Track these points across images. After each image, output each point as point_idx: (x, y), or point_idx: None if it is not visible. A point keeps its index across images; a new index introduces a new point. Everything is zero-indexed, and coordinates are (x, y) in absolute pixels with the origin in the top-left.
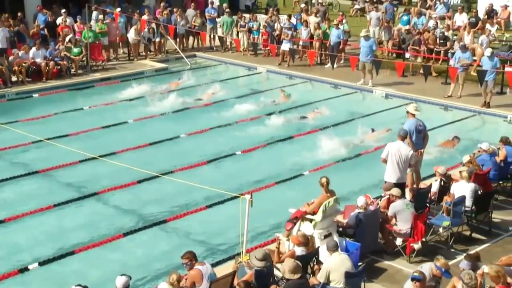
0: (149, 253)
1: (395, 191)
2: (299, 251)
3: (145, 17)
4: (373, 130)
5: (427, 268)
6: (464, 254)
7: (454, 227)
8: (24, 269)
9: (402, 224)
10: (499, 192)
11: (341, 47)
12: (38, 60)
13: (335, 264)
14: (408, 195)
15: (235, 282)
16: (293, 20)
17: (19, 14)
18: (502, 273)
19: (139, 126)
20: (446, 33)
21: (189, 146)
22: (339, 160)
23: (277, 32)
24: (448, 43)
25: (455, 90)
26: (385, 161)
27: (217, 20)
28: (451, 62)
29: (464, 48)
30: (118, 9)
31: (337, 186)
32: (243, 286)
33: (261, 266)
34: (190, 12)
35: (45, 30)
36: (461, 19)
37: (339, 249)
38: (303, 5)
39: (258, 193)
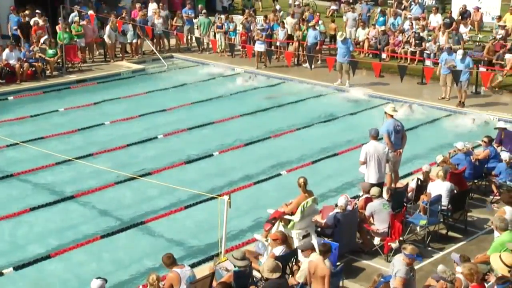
0: (127, 255)
1: (375, 190)
2: (278, 251)
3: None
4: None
5: (399, 260)
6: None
7: (431, 225)
8: None
9: (380, 224)
10: (474, 190)
11: (318, 48)
12: (11, 61)
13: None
14: (385, 194)
15: (214, 283)
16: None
17: None
18: (475, 271)
19: (115, 128)
20: (421, 34)
21: (166, 147)
22: (316, 159)
23: (254, 33)
24: (423, 44)
25: (446, 92)
26: (364, 163)
27: (194, 21)
28: (427, 62)
29: (450, 50)
30: (90, 12)
31: (314, 186)
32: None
33: (242, 266)
34: (162, 13)
35: (18, 31)
36: (435, 19)
37: (316, 250)
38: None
39: (236, 194)
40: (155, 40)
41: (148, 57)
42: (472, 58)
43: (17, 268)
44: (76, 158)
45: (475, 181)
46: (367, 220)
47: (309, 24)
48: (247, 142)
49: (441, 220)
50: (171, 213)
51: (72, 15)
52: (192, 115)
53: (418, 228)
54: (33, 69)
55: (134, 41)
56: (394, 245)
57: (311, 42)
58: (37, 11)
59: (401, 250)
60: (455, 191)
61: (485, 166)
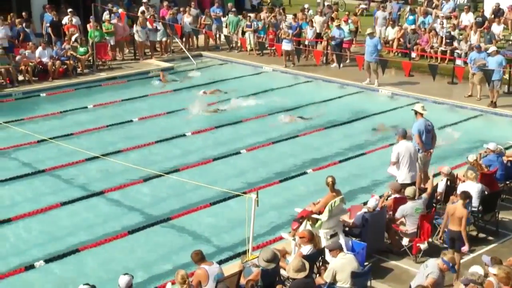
0: (154, 251)
1: (410, 191)
2: (306, 250)
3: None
4: (374, 129)
5: (434, 264)
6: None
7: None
8: (30, 267)
9: (409, 225)
10: (505, 192)
11: (347, 46)
12: (44, 59)
13: (341, 264)
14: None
15: (241, 281)
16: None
17: (23, 13)
18: None
19: (143, 125)
20: (452, 33)
21: (194, 145)
22: (343, 158)
23: (282, 31)
24: (454, 43)
25: (474, 91)
26: (395, 164)
27: (223, 19)
28: (458, 61)
29: (479, 48)
30: (121, 10)
31: (341, 185)
32: (250, 285)
33: (266, 267)
34: (193, 11)
35: (49, 29)
36: (467, 18)
37: (344, 249)
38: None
39: (262, 191)
40: (184, 39)
41: (177, 55)
42: (505, 58)
43: (47, 261)
44: (104, 155)
45: (507, 182)
46: (397, 220)
47: (334, 23)
48: (275, 140)
49: (472, 221)
50: (198, 210)
51: (104, 13)
52: (219, 113)
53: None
54: (65, 66)
55: (164, 39)
56: (423, 246)
57: (336, 41)
58: (70, 9)
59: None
60: (486, 192)
61: None
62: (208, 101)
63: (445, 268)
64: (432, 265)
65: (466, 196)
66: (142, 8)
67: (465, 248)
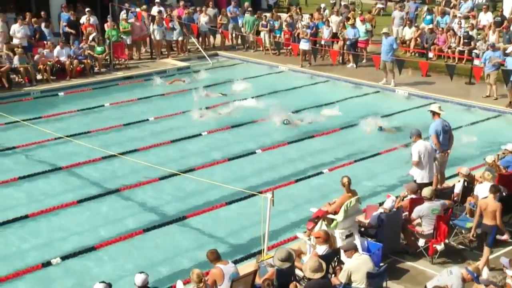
0: (170, 249)
1: (427, 192)
2: (321, 250)
3: (155, 8)
4: (381, 129)
5: (457, 271)
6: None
7: (478, 228)
8: (47, 263)
9: (425, 226)
10: None
11: (363, 46)
12: (62, 58)
13: (356, 265)
14: None
15: (257, 280)
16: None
17: (42, 13)
18: None
19: (159, 124)
20: (470, 33)
21: (210, 144)
22: (358, 159)
23: (299, 31)
24: (472, 43)
25: (491, 91)
26: (418, 163)
27: (239, 19)
28: (476, 61)
29: (494, 47)
30: (138, 9)
31: (357, 185)
32: (266, 284)
33: (281, 267)
34: (210, 11)
35: (66, 28)
36: (486, 18)
37: (360, 250)
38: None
39: (277, 191)
40: (200, 38)
41: (193, 54)
42: None
43: (64, 258)
44: (121, 153)
45: None
46: (413, 221)
47: (349, 22)
48: (290, 141)
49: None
50: (214, 209)
51: (121, 12)
52: (235, 112)
53: (464, 230)
54: (82, 66)
55: (180, 38)
56: (440, 247)
57: (350, 40)
58: (87, 9)
59: (455, 256)
60: (504, 194)
61: None
62: (223, 101)
63: (469, 278)
64: (457, 275)
65: (496, 189)
66: (155, 8)
67: (505, 237)
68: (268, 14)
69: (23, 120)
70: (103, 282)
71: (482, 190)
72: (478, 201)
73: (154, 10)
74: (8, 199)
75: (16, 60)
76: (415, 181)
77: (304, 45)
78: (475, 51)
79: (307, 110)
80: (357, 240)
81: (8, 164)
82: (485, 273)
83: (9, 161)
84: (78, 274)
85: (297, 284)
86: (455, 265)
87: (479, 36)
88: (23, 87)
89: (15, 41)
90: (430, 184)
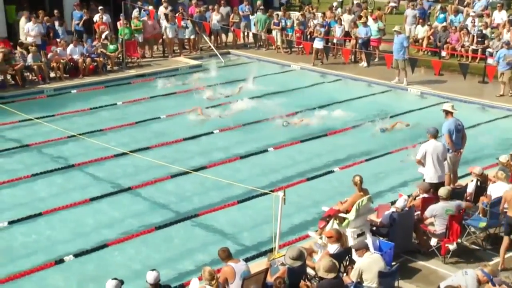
0: (181, 247)
1: (444, 192)
2: (333, 249)
3: (162, 8)
4: (383, 131)
5: (472, 273)
6: None
7: (491, 228)
8: (60, 261)
9: (438, 225)
10: None
11: (375, 45)
12: (75, 56)
13: (368, 264)
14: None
15: (268, 278)
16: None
17: (55, 11)
18: None
19: (171, 122)
20: (484, 31)
21: (221, 142)
22: (369, 157)
23: (311, 30)
24: (485, 41)
25: (505, 90)
26: (420, 162)
27: (251, 17)
28: (490, 60)
29: (509, 45)
30: (150, 7)
31: (368, 184)
32: (277, 282)
33: (293, 265)
34: (223, 9)
35: (78, 25)
36: (500, 16)
37: (371, 249)
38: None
39: (289, 190)
40: (212, 36)
41: (206, 53)
42: None
43: (77, 255)
44: (133, 151)
45: None
46: (425, 220)
47: (361, 21)
48: (303, 139)
49: (502, 222)
50: (225, 207)
51: (134, 11)
52: (247, 110)
53: (477, 230)
54: (95, 64)
55: (192, 37)
56: (452, 246)
57: (362, 39)
58: (100, 7)
59: (468, 256)
60: None
61: None
62: (234, 99)
63: (484, 280)
64: (472, 276)
65: None
66: (162, 7)
67: None
68: (280, 13)
69: (36, 118)
70: (115, 279)
71: (496, 189)
72: (491, 200)
73: (161, 10)
74: (21, 196)
75: (29, 58)
76: (424, 179)
77: (318, 44)
78: (488, 49)
79: (317, 110)
80: (369, 239)
81: (21, 162)
82: None
83: (22, 159)
84: (90, 272)
85: (308, 284)
86: (469, 266)
87: (493, 35)
88: (37, 85)
89: (29, 40)
90: (439, 184)
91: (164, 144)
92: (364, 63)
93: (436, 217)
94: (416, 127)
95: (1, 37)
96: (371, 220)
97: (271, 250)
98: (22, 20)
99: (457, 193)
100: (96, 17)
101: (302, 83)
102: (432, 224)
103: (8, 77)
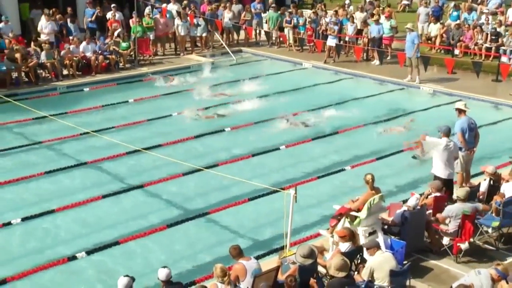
0: (193, 244)
1: (462, 193)
2: (344, 247)
3: (171, 5)
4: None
5: (486, 272)
6: None
7: (504, 227)
8: (72, 257)
9: (450, 224)
10: None
11: (388, 43)
12: (88, 54)
13: (379, 262)
14: (455, 195)
15: (279, 276)
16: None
17: (68, 9)
18: None
19: (182, 120)
20: (498, 29)
21: (233, 140)
22: (381, 156)
23: (323, 27)
24: (499, 39)
25: None
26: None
27: (263, 15)
28: (503, 58)
29: None
30: (163, 5)
31: (379, 183)
32: (289, 280)
33: (304, 263)
34: (235, 7)
35: (91, 22)
36: None
37: (383, 248)
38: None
39: (300, 187)
40: (224, 34)
41: (217, 51)
42: None
43: (89, 252)
44: (145, 149)
45: None
46: (441, 220)
47: (373, 19)
48: (315, 137)
49: None
50: (237, 205)
51: (146, 8)
52: (259, 109)
53: (490, 229)
54: (107, 61)
55: (204, 34)
56: (464, 246)
57: (374, 37)
58: (113, 5)
59: (480, 256)
60: None
61: None
62: (246, 97)
63: (498, 278)
64: (486, 275)
65: None
66: (170, 5)
67: None
68: (292, 10)
69: (50, 115)
70: (127, 275)
71: (509, 188)
72: (504, 199)
73: (170, 7)
74: (34, 193)
75: (43, 56)
76: (435, 177)
77: (331, 42)
78: (502, 47)
79: (328, 108)
80: (380, 238)
81: (35, 159)
82: None
83: (35, 156)
84: (102, 268)
85: (317, 281)
86: (481, 266)
87: (507, 33)
88: (50, 82)
89: (43, 37)
90: (446, 180)
91: (176, 141)
92: (376, 61)
93: (452, 218)
94: (428, 126)
95: (16, 35)
96: (382, 219)
97: (282, 248)
98: (43, 19)
99: (470, 193)
100: (108, 15)
101: (315, 80)
102: (444, 223)
103: (22, 74)
